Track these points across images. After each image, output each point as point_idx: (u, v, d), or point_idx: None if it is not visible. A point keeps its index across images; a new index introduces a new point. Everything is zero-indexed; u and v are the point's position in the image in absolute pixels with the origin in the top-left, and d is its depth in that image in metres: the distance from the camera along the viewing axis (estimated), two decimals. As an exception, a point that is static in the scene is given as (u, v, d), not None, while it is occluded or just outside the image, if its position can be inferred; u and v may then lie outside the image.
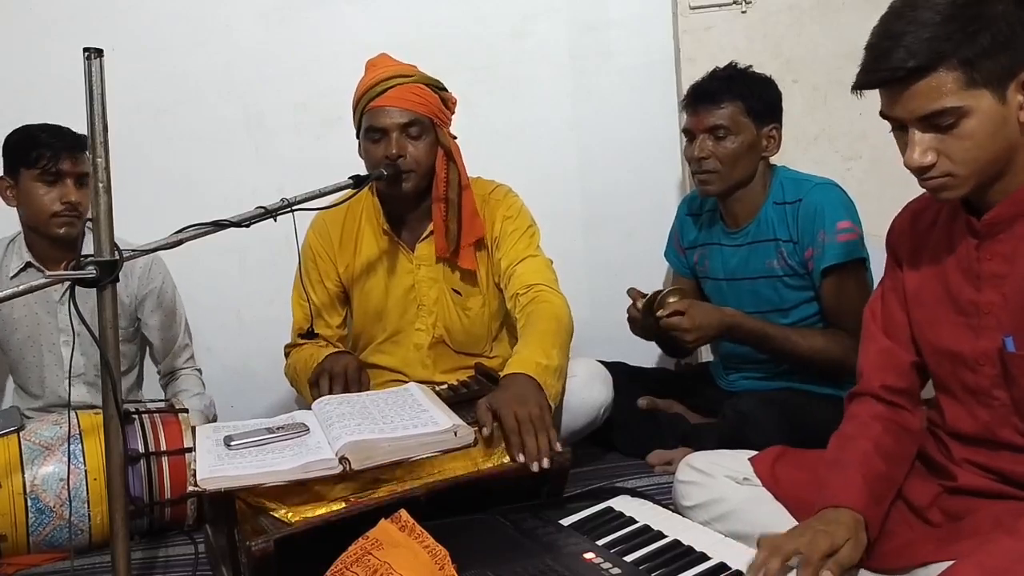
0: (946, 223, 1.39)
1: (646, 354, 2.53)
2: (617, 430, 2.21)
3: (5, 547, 1.81)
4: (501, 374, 1.77)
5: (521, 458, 1.58)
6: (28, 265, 2.22)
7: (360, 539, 1.31)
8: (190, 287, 2.47)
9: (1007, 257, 1.29)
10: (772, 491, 1.48)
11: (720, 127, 2.06)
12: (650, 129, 2.72)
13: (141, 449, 1.87)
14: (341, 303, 2.20)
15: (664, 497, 1.67)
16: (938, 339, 1.38)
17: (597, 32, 2.70)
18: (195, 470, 1.48)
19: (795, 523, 1.36)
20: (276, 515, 1.47)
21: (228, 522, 1.48)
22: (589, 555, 1.36)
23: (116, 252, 1.37)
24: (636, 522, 1.46)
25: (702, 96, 2.10)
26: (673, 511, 1.53)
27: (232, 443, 1.58)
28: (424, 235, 2.10)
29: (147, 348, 2.43)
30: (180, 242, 1.54)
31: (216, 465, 1.49)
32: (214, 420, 2.32)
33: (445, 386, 1.93)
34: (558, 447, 1.59)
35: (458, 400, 1.79)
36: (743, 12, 2.60)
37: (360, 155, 2.06)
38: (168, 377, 2.41)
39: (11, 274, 2.22)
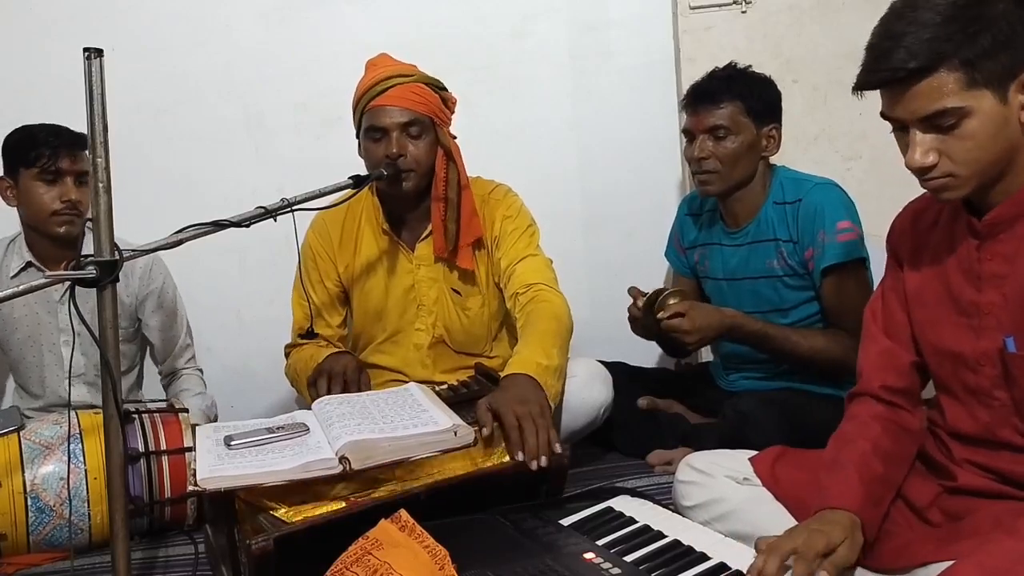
0: (947, 223, 1.39)
1: (646, 354, 2.53)
2: (617, 430, 2.21)
3: (5, 546, 1.81)
4: (501, 374, 1.77)
5: (520, 456, 1.57)
6: (28, 265, 2.22)
7: (360, 539, 1.31)
8: (190, 287, 2.47)
9: (1008, 257, 1.29)
10: (772, 491, 1.48)
11: (720, 127, 2.06)
12: (650, 129, 2.72)
13: (141, 448, 1.87)
14: (341, 303, 2.20)
15: (664, 497, 1.67)
16: (939, 339, 1.38)
17: (597, 32, 2.70)
18: (195, 470, 1.48)
19: (795, 523, 1.36)
20: (276, 514, 1.47)
21: (228, 522, 1.48)
22: (589, 555, 1.36)
23: (116, 252, 1.37)
24: (636, 522, 1.46)
25: (702, 96, 2.10)
26: (673, 511, 1.53)
27: (232, 443, 1.58)
28: (424, 235, 2.10)
29: (147, 348, 2.43)
30: (180, 242, 1.54)
31: (216, 465, 1.49)
32: (215, 420, 2.32)
33: (445, 386, 1.93)
34: (557, 448, 1.59)
35: (458, 400, 1.79)
36: (743, 12, 2.60)
37: (360, 155, 2.06)
38: (170, 377, 2.41)
39: (11, 274, 2.22)
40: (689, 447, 2.00)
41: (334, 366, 1.96)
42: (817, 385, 2.07)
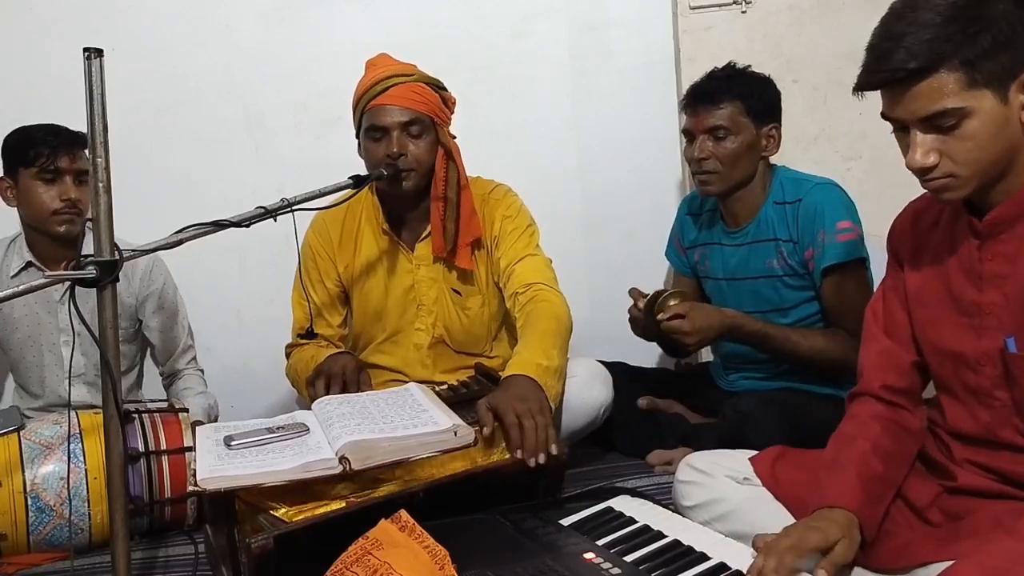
0: (948, 223, 1.39)
1: (646, 354, 2.53)
2: (617, 430, 2.21)
3: (5, 546, 1.81)
4: (501, 375, 1.77)
5: (520, 454, 1.58)
6: (29, 265, 2.22)
7: (360, 539, 1.31)
8: (190, 287, 2.47)
9: (1009, 257, 1.29)
10: (772, 491, 1.48)
11: (720, 127, 2.06)
12: (650, 129, 2.72)
13: (141, 448, 1.87)
14: (341, 303, 2.20)
15: (664, 497, 1.67)
16: (939, 339, 1.38)
17: (597, 32, 2.70)
18: (195, 470, 1.48)
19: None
20: (276, 514, 1.47)
21: (228, 522, 1.48)
22: (589, 555, 1.36)
23: (116, 252, 1.37)
24: (636, 522, 1.46)
25: (701, 96, 2.10)
26: (673, 511, 1.53)
27: (232, 443, 1.58)
28: (424, 235, 2.10)
29: (148, 348, 2.43)
30: (180, 242, 1.54)
31: (216, 465, 1.49)
32: (217, 419, 2.32)
33: (445, 386, 1.93)
34: (554, 450, 1.58)
35: (458, 400, 1.79)
36: (743, 12, 2.60)
37: (360, 155, 2.06)
38: (171, 378, 2.41)
39: (12, 274, 2.22)
40: (689, 447, 2.00)
41: (334, 366, 1.96)
42: (817, 385, 2.07)
